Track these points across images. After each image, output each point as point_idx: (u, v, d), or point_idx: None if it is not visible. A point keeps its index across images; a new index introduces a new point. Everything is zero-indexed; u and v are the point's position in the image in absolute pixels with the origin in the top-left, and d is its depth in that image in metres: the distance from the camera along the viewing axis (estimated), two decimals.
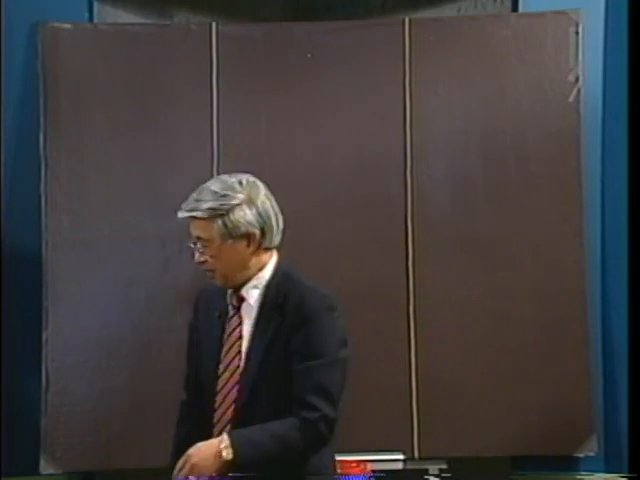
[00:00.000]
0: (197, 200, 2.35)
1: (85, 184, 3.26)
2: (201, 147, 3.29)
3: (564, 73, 3.31)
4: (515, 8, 3.47)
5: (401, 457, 3.20)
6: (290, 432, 2.27)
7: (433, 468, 3.19)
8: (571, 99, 3.30)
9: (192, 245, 2.36)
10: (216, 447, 2.27)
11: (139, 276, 3.23)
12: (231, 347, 2.38)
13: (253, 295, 2.38)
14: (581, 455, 3.26)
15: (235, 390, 2.35)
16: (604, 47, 3.39)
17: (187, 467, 2.30)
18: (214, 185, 2.37)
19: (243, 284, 2.37)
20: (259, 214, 2.38)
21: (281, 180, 3.29)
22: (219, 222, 2.33)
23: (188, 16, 3.60)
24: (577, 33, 3.31)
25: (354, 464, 2.89)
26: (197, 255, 2.36)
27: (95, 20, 3.42)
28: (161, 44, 3.33)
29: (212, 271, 2.35)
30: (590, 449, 3.24)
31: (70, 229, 3.22)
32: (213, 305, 2.44)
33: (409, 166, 3.29)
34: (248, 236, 2.34)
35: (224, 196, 2.34)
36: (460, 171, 3.30)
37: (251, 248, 2.36)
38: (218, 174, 3.26)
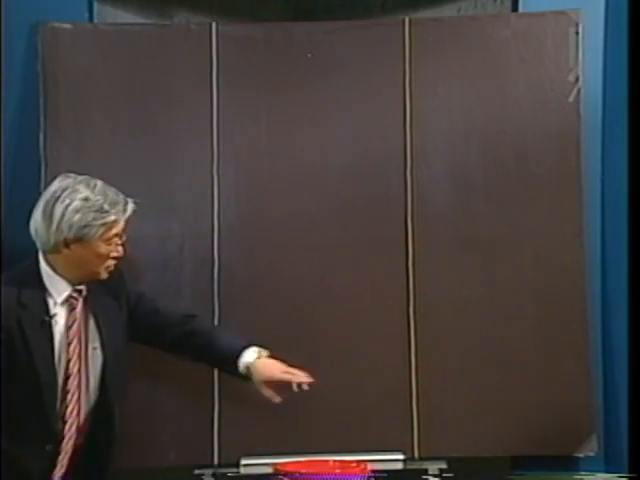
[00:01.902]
0: (118, 194, 2.69)
1: None
2: (201, 147, 3.29)
3: (564, 73, 3.31)
4: (515, 8, 3.47)
5: (401, 457, 3.20)
6: None
7: (433, 468, 3.19)
8: (571, 99, 3.30)
9: (118, 243, 2.69)
10: None
11: (139, 276, 3.22)
12: None
13: None
14: (581, 455, 3.26)
15: None
16: (604, 47, 3.39)
17: None
18: (101, 182, 2.71)
19: None
20: None
21: (281, 180, 3.31)
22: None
23: (188, 16, 3.59)
24: (577, 33, 3.31)
25: (354, 464, 2.88)
26: (121, 249, 2.70)
27: (95, 20, 3.42)
28: (161, 44, 3.32)
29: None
30: (590, 449, 3.25)
31: None
32: None
33: (409, 166, 3.29)
34: None
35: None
36: (460, 171, 3.30)
37: None
38: (218, 174, 3.28)
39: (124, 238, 2.71)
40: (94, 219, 2.62)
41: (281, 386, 2.80)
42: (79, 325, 2.68)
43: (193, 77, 3.31)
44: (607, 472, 3.23)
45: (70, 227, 2.60)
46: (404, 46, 3.32)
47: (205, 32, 3.32)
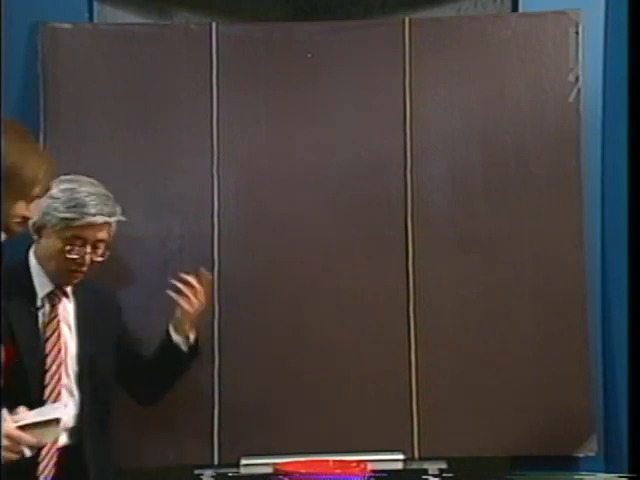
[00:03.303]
0: (105, 204, 2.73)
1: None
2: (201, 147, 3.29)
3: (564, 73, 3.31)
4: (515, 8, 3.47)
5: (401, 457, 3.20)
6: None
7: (433, 468, 3.19)
8: (571, 99, 3.30)
9: (77, 245, 2.70)
10: None
11: (139, 276, 3.22)
12: None
13: None
14: (581, 455, 3.26)
15: None
16: (604, 47, 3.39)
17: None
18: (101, 189, 2.75)
19: None
20: None
21: (281, 180, 3.31)
22: (114, 224, 2.78)
23: (188, 16, 3.59)
24: (577, 33, 3.31)
25: (354, 464, 2.88)
26: (88, 257, 2.72)
27: (95, 20, 3.41)
28: (161, 44, 3.32)
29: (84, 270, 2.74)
30: (590, 449, 3.25)
31: None
32: None
33: (409, 166, 3.29)
34: None
35: (113, 199, 2.77)
36: (460, 171, 3.30)
37: None
38: (218, 174, 3.27)
39: (91, 251, 2.73)
40: (55, 210, 2.69)
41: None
42: (58, 322, 2.73)
43: (193, 77, 3.31)
44: (607, 472, 3.23)
45: (39, 212, 2.62)
46: (404, 46, 3.32)
47: (205, 32, 3.32)
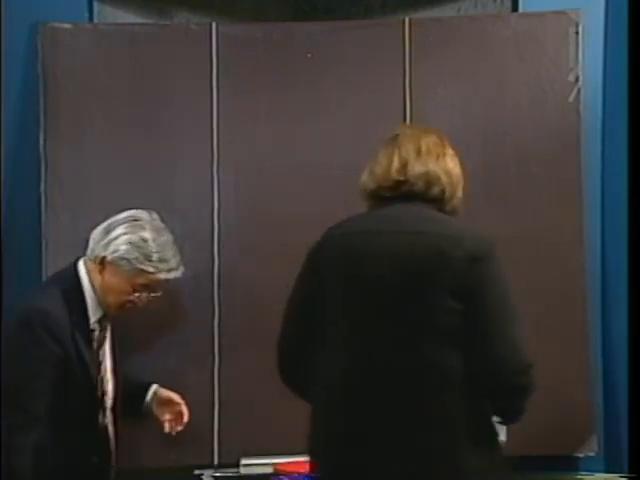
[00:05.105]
0: (176, 256, 2.84)
1: (85, 184, 3.26)
2: (201, 147, 3.29)
3: (564, 73, 3.31)
4: (515, 8, 3.47)
5: None
6: None
7: None
8: (571, 99, 3.30)
9: (141, 292, 2.79)
10: None
11: None
12: None
13: None
14: (581, 455, 3.26)
15: None
16: (604, 47, 3.39)
17: None
18: (170, 237, 2.84)
19: None
20: None
21: (281, 180, 3.31)
22: None
23: (188, 16, 3.59)
24: (577, 33, 3.31)
25: None
26: (142, 300, 2.80)
27: (95, 20, 3.42)
28: (161, 44, 3.32)
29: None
30: (590, 449, 3.25)
31: (70, 229, 3.21)
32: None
33: None
34: None
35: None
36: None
37: None
38: (218, 174, 3.27)
39: (151, 294, 2.81)
40: (135, 259, 2.74)
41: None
42: (109, 346, 2.83)
43: (193, 77, 3.31)
44: (607, 472, 3.24)
45: (114, 251, 2.73)
46: (404, 46, 3.32)
47: (205, 32, 3.32)
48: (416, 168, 2.33)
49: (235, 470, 3.17)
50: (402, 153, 2.36)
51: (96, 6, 3.42)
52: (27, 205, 3.25)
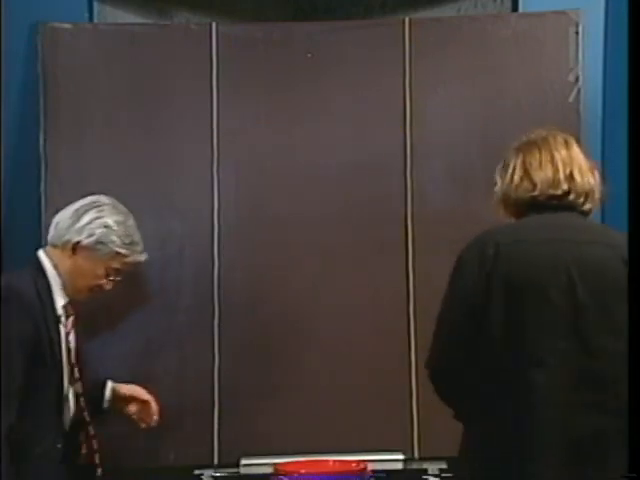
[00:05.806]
0: (141, 239, 2.83)
1: (85, 184, 3.25)
2: (201, 147, 3.29)
3: (564, 73, 3.31)
4: (515, 8, 3.47)
5: (401, 457, 3.20)
6: None
7: (433, 468, 3.19)
8: (571, 99, 3.30)
9: (112, 279, 2.79)
10: None
11: (139, 276, 3.22)
12: None
13: None
14: None
15: None
16: (604, 47, 3.39)
17: None
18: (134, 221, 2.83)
19: None
20: None
21: (281, 180, 3.31)
22: None
23: (188, 16, 3.60)
24: (577, 33, 3.31)
25: (354, 464, 2.89)
26: (110, 285, 2.80)
27: (95, 20, 3.42)
28: (161, 44, 3.32)
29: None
30: None
31: None
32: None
33: (409, 166, 3.29)
34: None
35: None
36: (460, 171, 3.30)
37: None
38: (218, 174, 3.27)
39: (118, 278, 2.82)
40: (112, 242, 2.74)
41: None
42: (73, 337, 2.77)
43: (193, 77, 3.31)
44: None
45: (90, 235, 2.72)
46: (404, 46, 3.32)
47: (205, 32, 3.32)
48: (582, 180, 2.36)
49: (235, 470, 3.17)
50: (564, 161, 2.37)
51: (96, 6, 3.43)
52: (27, 205, 3.26)
